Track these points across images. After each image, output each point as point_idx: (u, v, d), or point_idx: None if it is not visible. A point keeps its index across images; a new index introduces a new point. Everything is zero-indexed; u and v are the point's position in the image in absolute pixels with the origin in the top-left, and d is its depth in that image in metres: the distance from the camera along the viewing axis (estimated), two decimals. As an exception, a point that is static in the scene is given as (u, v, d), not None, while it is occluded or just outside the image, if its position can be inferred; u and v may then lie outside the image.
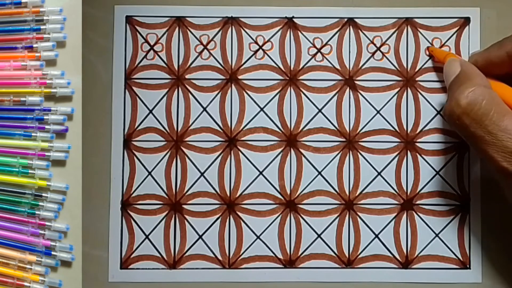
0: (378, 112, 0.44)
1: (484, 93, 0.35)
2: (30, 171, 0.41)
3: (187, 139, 0.44)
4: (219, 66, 0.44)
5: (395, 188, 0.43)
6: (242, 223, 0.43)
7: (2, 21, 0.41)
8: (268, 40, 0.44)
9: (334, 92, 0.44)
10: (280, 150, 0.44)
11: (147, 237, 0.43)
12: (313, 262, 0.43)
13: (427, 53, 0.43)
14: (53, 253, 0.41)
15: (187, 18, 0.44)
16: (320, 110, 0.44)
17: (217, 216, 0.43)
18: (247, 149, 0.44)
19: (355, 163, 0.43)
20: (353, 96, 0.44)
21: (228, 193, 0.43)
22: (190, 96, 0.44)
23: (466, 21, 0.44)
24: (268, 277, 0.43)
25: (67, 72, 0.42)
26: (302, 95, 0.44)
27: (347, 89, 0.44)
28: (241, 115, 0.44)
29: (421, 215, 0.43)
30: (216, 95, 0.44)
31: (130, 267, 0.43)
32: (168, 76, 0.44)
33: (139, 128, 0.44)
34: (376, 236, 0.43)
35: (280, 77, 0.44)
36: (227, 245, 0.43)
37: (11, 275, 0.40)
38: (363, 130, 0.44)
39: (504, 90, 0.37)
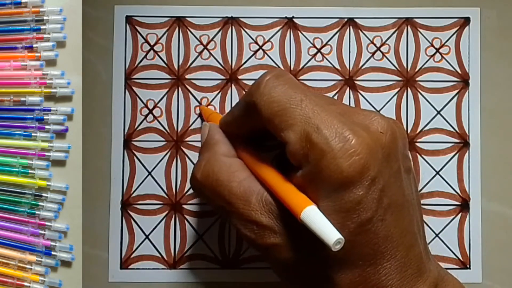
0: (378, 112, 0.44)
1: (219, 163, 0.34)
2: (30, 171, 0.41)
3: (187, 139, 0.44)
4: (219, 66, 0.44)
5: (395, 188, 0.43)
6: (242, 223, 0.43)
7: (2, 21, 0.41)
8: (268, 40, 0.44)
9: (334, 92, 0.44)
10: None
11: (147, 237, 0.43)
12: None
13: (197, 111, 0.43)
14: (53, 253, 0.41)
15: (187, 18, 0.44)
16: (320, 110, 0.44)
17: (217, 216, 0.43)
18: (247, 149, 0.44)
19: (355, 163, 0.43)
20: (353, 96, 0.44)
21: (228, 193, 0.43)
22: (190, 96, 0.44)
23: (466, 21, 0.44)
24: (268, 277, 0.43)
25: (67, 72, 0.42)
26: (302, 95, 0.44)
27: (347, 89, 0.44)
28: (241, 115, 0.44)
29: (421, 215, 0.43)
30: (216, 95, 0.44)
31: (130, 267, 0.43)
32: (168, 76, 0.44)
33: (139, 128, 0.44)
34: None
35: (280, 77, 0.44)
36: (227, 245, 0.43)
37: (11, 275, 0.40)
38: (363, 130, 0.43)
39: (246, 154, 0.35)
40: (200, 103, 0.44)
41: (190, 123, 0.44)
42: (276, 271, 0.34)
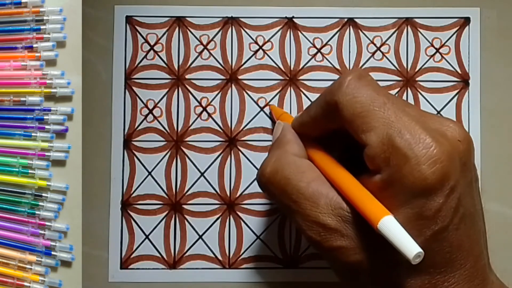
0: (378, 112, 0.44)
1: (289, 161, 0.34)
2: (30, 171, 0.41)
3: (187, 139, 0.44)
4: (219, 66, 0.44)
5: (395, 188, 0.43)
6: (242, 223, 0.43)
7: (2, 21, 0.41)
8: (268, 40, 0.44)
9: (334, 92, 0.44)
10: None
11: (147, 237, 0.43)
12: (312, 262, 0.43)
13: (269, 110, 0.43)
14: (53, 253, 0.41)
15: (187, 18, 0.44)
16: (320, 110, 0.44)
17: (217, 216, 0.43)
18: (247, 149, 0.44)
19: (355, 163, 0.43)
20: (353, 96, 0.44)
21: (228, 193, 0.43)
22: (190, 96, 0.44)
23: (466, 21, 0.44)
24: (268, 277, 0.43)
25: (67, 72, 0.42)
26: (302, 95, 0.44)
27: (347, 89, 0.44)
28: (241, 115, 0.44)
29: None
30: (216, 95, 0.44)
31: (130, 267, 0.43)
32: (168, 76, 0.44)
33: (139, 128, 0.44)
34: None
35: (280, 77, 0.44)
36: (227, 245, 0.43)
37: (11, 275, 0.40)
38: (363, 130, 0.43)
39: (317, 155, 0.35)
40: (200, 103, 0.44)
41: (190, 123, 0.44)
42: (339, 274, 0.34)
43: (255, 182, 0.43)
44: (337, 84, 0.32)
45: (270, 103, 0.43)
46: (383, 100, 0.31)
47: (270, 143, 0.44)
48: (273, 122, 0.43)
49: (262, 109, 0.44)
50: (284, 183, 0.33)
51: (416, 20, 0.44)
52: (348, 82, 0.32)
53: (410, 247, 0.28)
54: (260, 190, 0.43)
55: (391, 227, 0.29)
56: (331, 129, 0.34)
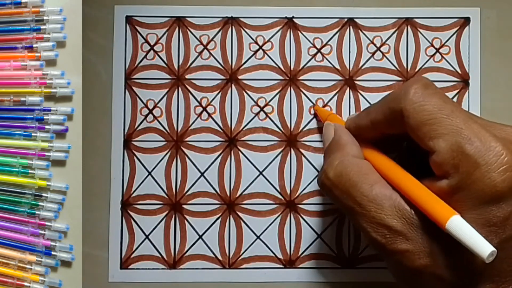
0: (378, 112, 0.44)
1: (352, 164, 0.34)
2: (30, 171, 0.41)
3: (187, 139, 0.44)
4: (219, 66, 0.44)
5: (395, 188, 0.43)
6: (242, 223, 0.43)
7: (2, 21, 0.41)
8: (268, 40, 0.44)
9: (334, 92, 0.44)
10: (280, 150, 0.44)
11: (147, 237, 0.43)
12: (313, 262, 0.43)
13: (312, 112, 0.43)
14: (53, 253, 0.41)
15: (187, 18, 0.44)
16: (320, 110, 0.44)
17: (217, 216, 0.43)
18: (247, 149, 0.44)
19: (355, 163, 0.43)
20: (353, 96, 0.44)
21: (228, 193, 0.43)
22: (190, 96, 0.44)
23: (466, 21, 0.44)
24: (268, 277, 0.43)
25: (67, 72, 0.42)
26: (302, 95, 0.44)
27: (347, 89, 0.44)
28: (241, 115, 0.44)
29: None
30: (216, 95, 0.44)
31: (130, 267, 0.43)
32: (168, 76, 0.44)
33: (139, 128, 0.44)
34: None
35: (280, 77, 0.44)
36: (227, 245, 0.43)
37: (11, 275, 0.40)
38: (363, 130, 0.44)
39: (376, 157, 0.35)
40: (200, 103, 0.44)
41: (190, 123, 0.44)
42: (399, 277, 0.34)
43: (255, 181, 0.43)
44: (402, 92, 0.33)
45: (315, 104, 0.43)
46: (451, 108, 0.31)
47: (271, 142, 0.44)
48: (318, 122, 0.43)
49: (262, 109, 0.44)
50: (349, 185, 0.34)
51: (416, 20, 0.44)
52: (415, 90, 0.32)
53: (483, 246, 0.28)
54: (260, 190, 0.43)
55: (460, 226, 0.29)
56: (388, 134, 0.35)
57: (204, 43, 0.44)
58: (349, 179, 0.34)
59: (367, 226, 0.33)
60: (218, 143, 0.44)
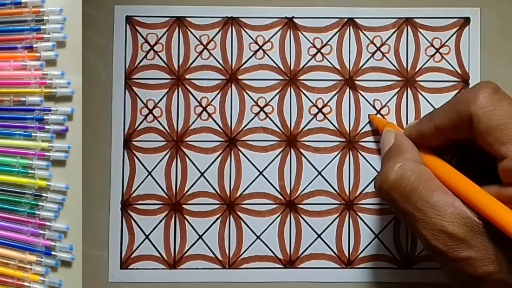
0: (378, 112, 0.44)
1: (413, 168, 0.34)
2: (30, 171, 0.41)
3: (187, 139, 0.44)
4: (219, 66, 0.44)
5: (395, 188, 0.43)
6: (242, 223, 0.43)
7: (2, 21, 0.41)
8: (268, 40, 0.44)
9: (334, 92, 0.44)
10: (280, 150, 0.44)
11: (147, 237, 0.43)
12: (313, 262, 0.43)
13: (368, 120, 0.43)
14: (53, 253, 0.41)
15: (187, 18, 0.44)
16: (320, 110, 0.44)
17: (217, 216, 0.43)
18: (247, 149, 0.44)
19: (355, 163, 0.43)
20: (353, 96, 0.44)
21: (228, 193, 0.43)
22: (190, 96, 0.44)
23: (466, 21, 0.44)
24: (268, 277, 0.43)
25: (67, 72, 0.42)
26: (302, 95, 0.44)
27: (347, 89, 0.44)
28: (241, 115, 0.44)
29: (421, 215, 0.43)
30: (216, 95, 0.44)
31: (130, 267, 0.43)
32: (168, 76, 0.44)
33: (139, 128, 0.44)
34: (376, 236, 0.43)
35: (280, 77, 0.44)
36: (227, 245, 0.43)
37: (11, 275, 0.40)
38: (363, 130, 0.44)
39: (436, 164, 0.35)
40: (200, 103, 0.44)
41: (190, 123, 0.44)
42: (459, 284, 0.33)
43: (255, 181, 0.43)
44: (471, 96, 0.32)
45: (370, 114, 0.43)
46: None
47: (271, 142, 0.44)
48: (374, 130, 0.43)
49: (262, 109, 0.44)
50: (409, 189, 0.33)
51: (416, 20, 0.44)
52: (485, 95, 0.32)
53: None
54: (260, 190, 0.43)
55: None
56: (452, 140, 0.34)
57: (204, 43, 0.44)
58: (409, 183, 0.33)
59: (426, 233, 0.32)
60: (218, 143, 0.44)
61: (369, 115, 0.43)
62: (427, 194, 0.33)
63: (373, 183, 0.43)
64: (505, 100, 0.32)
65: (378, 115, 0.43)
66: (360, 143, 0.43)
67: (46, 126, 0.41)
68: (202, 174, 0.43)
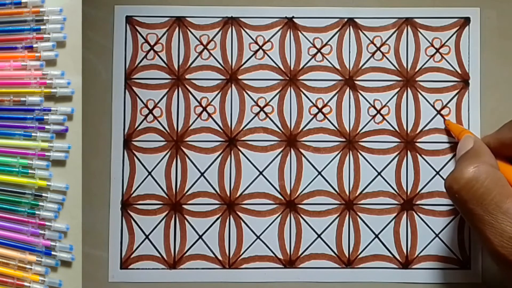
0: (378, 112, 0.44)
1: (488, 172, 0.34)
2: (30, 171, 0.41)
3: (187, 139, 0.44)
4: (219, 66, 0.44)
5: (395, 188, 0.43)
6: (242, 223, 0.43)
7: (2, 21, 0.41)
8: (268, 40, 0.44)
9: (334, 92, 0.44)
10: (280, 150, 0.44)
11: (147, 237, 0.43)
12: (313, 262, 0.43)
13: (444, 125, 0.43)
14: (53, 253, 0.41)
15: (187, 18, 0.44)
16: (320, 110, 0.44)
17: (217, 216, 0.43)
18: (247, 149, 0.44)
19: (355, 163, 0.43)
20: (353, 96, 0.44)
21: (228, 193, 0.43)
22: (190, 96, 0.44)
23: (466, 21, 0.44)
24: (268, 277, 0.43)
25: (67, 72, 0.42)
26: (302, 95, 0.44)
27: (347, 89, 0.44)
28: (241, 115, 0.44)
29: (421, 215, 0.43)
30: (216, 95, 0.44)
31: (130, 267, 0.43)
32: (168, 76, 0.44)
33: (139, 128, 0.44)
34: (376, 236, 0.43)
35: (280, 77, 0.44)
36: (227, 245, 0.43)
37: (11, 275, 0.40)
38: (363, 130, 0.44)
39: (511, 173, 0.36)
40: (200, 103, 0.44)
41: (190, 123, 0.44)
42: None
43: (255, 181, 0.43)
44: None
45: (447, 119, 0.43)
46: None
47: (271, 142, 0.44)
48: (448, 134, 0.43)
49: (262, 109, 0.44)
50: (483, 191, 0.33)
51: (416, 20, 0.44)
52: None
53: None
54: (260, 190, 0.43)
55: None
56: None
57: (204, 43, 0.44)
58: (483, 185, 0.33)
59: (494, 239, 0.32)
60: (218, 143, 0.44)
61: (444, 120, 0.43)
62: (501, 200, 0.32)
63: (373, 183, 0.43)
64: None
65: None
66: (360, 143, 0.43)
67: (46, 126, 0.41)
68: (202, 174, 0.43)
